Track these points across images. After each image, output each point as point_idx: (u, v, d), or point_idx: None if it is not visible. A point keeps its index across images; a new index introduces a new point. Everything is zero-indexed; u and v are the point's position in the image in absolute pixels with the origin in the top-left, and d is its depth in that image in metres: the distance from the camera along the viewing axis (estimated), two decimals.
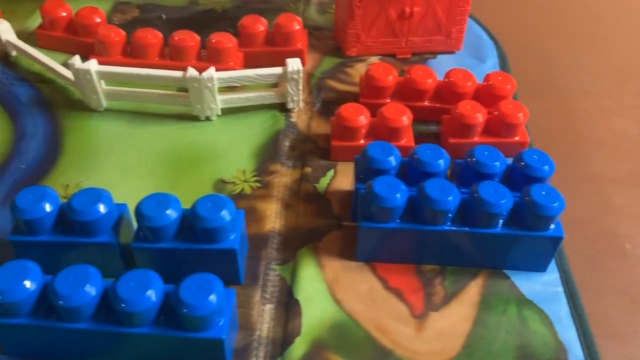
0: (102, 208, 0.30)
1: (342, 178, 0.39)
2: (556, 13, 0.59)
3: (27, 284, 0.26)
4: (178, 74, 0.40)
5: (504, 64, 0.50)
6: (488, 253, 0.33)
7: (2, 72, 0.45)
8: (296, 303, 0.32)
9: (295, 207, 0.37)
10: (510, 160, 0.35)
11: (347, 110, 0.39)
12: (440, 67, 0.49)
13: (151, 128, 0.42)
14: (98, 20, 0.46)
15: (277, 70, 0.41)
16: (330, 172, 0.39)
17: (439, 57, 0.50)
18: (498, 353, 0.30)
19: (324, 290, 0.32)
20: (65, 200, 0.34)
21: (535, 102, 0.46)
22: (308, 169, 0.39)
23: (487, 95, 0.42)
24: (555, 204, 0.31)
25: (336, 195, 0.38)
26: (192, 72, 0.39)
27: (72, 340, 0.27)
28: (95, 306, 0.27)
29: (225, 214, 0.30)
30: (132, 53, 0.45)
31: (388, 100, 0.42)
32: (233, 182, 0.38)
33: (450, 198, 0.31)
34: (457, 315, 0.32)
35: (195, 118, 0.42)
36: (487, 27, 0.54)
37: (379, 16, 0.47)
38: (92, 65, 0.40)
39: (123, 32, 0.45)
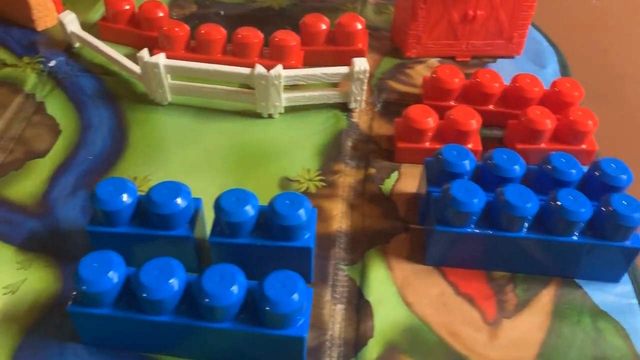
0: (180, 202, 0.30)
1: (406, 180, 0.39)
2: (618, 20, 0.58)
3: (112, 275, 0.27)
4: (246, 70, 0.40)
5: (565, 71, 0.49)
6: (561, 261, 0.33)
7: (66, 63, 0.45)
8: (367, 304, 0.32)
9: (360, 208, 0.37)
10: (586, 168, 0.34)
11: (415, 111, 0.38)
12: (501, 72, 0.48)
13: (215, 124, 0.42)
14: (161, 14, 0.46)
15: (344, 69, 0.41)
16: (395, 174, 0.39)
17: (499, 61, 0.49)
18: None
19: (395, 292, 0.32)
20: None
21: (598, 110, 0.46)
22: (372, 170, 0.39)
23: (554, 101, 0.41)
24: (637, 214, 0.30)
25: (401, 197, 0.38)
26: (260, 69, 0.39)
27: (152, 332, 0.27)
28: (178, 299, 0.27)
29: (302, 212, 0.30)
30: (196, 48, 0.45)
31: (452, 103, 0.42)
32: (298, 181, 0.38)
33: (529, 205, 0.30)
34: (530, 324, 0.31)
35: (257, 115, 0.42)
36: (547, 34, 0.53)
37: (441, 18, 0.47)
38: (161, 59, 0.40)
39: (187, 27, 0.45)
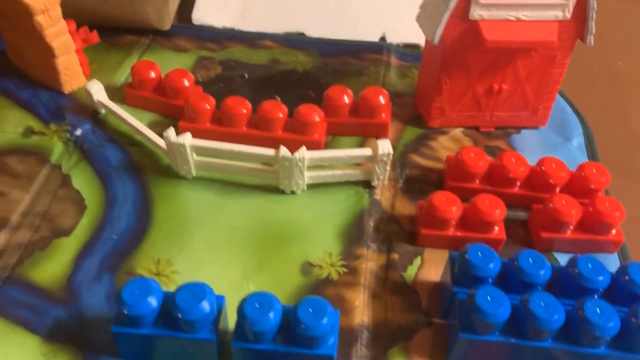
0: (205, 306, 0.30)
1: (429, 268, 0.38)
2: None
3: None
4: (271, 152, 0.40)
5: (590, 144, 0.49)
6: None
7: (92, 132, 0.46)
8: None
9: (383, 298, 0.37)
10: (615, 262, 0.34)
11: (439, 199, 0.38)
12: (525, 144, 0.48)
13: (238, 200, 0.42)
14: (187, 83, 0.47)
15: (367, 151, 0.41)
16: (417, 260, 0.39)
17: (523, 132, 0.49)
18: None
19: None
20: (156, 277, 0.35)
21: (625, 191, 0.45)
22: (395, 255, 0.39)
23: (580, 187, 0.41)
24: None
25: (424, 286, 0.37)
26: (284, 151, 0.39)
27: None
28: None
29: (325, 321, 0.30)
30: (221, 120, 0.45)
31: (476, 185, 0.42)
32: (320, 266, 0.38)
33: (555, 317, 0.30)
34: None
35: (280, 191, 0.42)
36: (572, 100, 0.53)
37: (466, 92, 0.47)
38: (187, 139, 0.40)
39: (213, 100, 0.45)
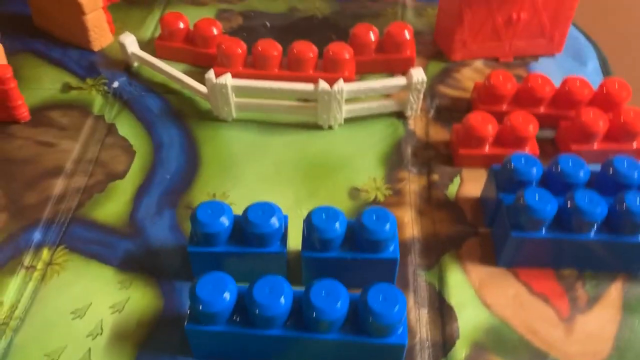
0: (275, 221, 0.32)
1: (469, 185, 0.41)
2: None
3: (226, 295, 0.29)
4: (310, 87, 0.42)
5: (605, 67, 0.51)
6: (627, 259, 0.35)
7: (129, 84, 0.47)
8: (450, 308, 0.34)
9: (429, 214, 0.39)
10: None
11: (476, 119, 0.40)
12: (543, 70, 0.50)
13: (279, 137, 0.44)
14: (215, 31, 0.48)
15: (402, 81, 0.42)
16: (457, 179, 0.41)
17: (541, 60, 0.51)
18: None
19: (473, 295, 0.34)
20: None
21: None
22: (435, 176, 0.41)
23: (603, 102, 0.43)
24: None
25: (466, 202, 0.40)
26: (323, 85, 0.41)
27: (262, 345, 0.30)
28: (288, 314, 0.29)
29: (388, 226, 0.32)
30: (254, 64, 0.46)
31: (505, 108, 0.44)
32: (366, 190, 0.40)
33: (598, 209, 0.32)
34: (603, 318, 0.33)
35: (318, 127, 0.44)
36: (585, 30, 0.54)
37: (485, 22, 0.48)
38: (228, 79, 0.42)
39: (245, 44, 0.46)
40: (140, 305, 0.34)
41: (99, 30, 0.50)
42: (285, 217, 0.34)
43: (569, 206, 0.33)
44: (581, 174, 0.35)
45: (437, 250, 0.37)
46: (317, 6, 0.56)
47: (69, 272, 0.35)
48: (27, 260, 0.36)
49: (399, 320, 0.28)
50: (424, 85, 0.42)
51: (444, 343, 0.32)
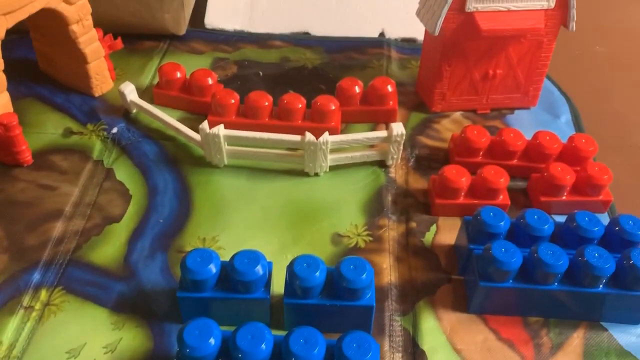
0: (259, 269, 0.34)
1: (444, 233, 0.43)
2: (624, 68, 0.63)
3: (212, 341, 0.31)
4: (297, 138, 0.45)
5: (577, 120, 0.54)
6: (589, 308, 0.37)
7: (127, 130, 0.50)
8: (422, 353, 0.36)
9: (406, 261, 0.41)
10: (606, 219, 0.39)
11: (451, 172, 0.43)
12: (518, 123, 0.53)
13: (268, 183, 0.46)
14: (210, 82, 0.51)
15: (383, 134, 0.45)
16: (433, 227, 0.44)
17: (516, 112, 0.54)
18: None
19: (445, 341, 0.37)
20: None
21: (610, 158, 0.50)
22: (413, 224, 0.44)
23: (571, 155, 0.46)
24: None
25: (441, 249, 0.42)
26: (309, 136, 0.44)
27: None
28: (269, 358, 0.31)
29: (365, 275, 0.34)
30: (245, 113, 0.49)
31: (479, 159, 0.47)
32: (348, 236, 0.43)
33: (560, 262, 0.35)
34: None
35: (304, 174, 0.47)
36: (558, 83, 0.58)
37: (464, 78, 0.52)
38: (221, 130, 0.44)
39: (237, 95, 0.49)
40: (132, 346, 0.36)
41: (101, 77, 0.53)
42: (270, 264, 0.36)
43: (532, 259, 0.36)
44: (546, 227, 0.38)
45: (413, 296, 0.39)
46: (307, 56, 0.59)
47: (65, 312, 0.37)
48: (26, 300, 0.38)
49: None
50: (404, 137, 0.45)
51: None
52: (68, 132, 0.50)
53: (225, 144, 0.46)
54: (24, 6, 0.44)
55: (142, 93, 0.54)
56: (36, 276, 0.39)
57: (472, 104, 0.54)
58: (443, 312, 0.38)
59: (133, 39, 0.60)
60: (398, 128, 0.45)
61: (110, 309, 0.38)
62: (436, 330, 0.37)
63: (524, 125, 0.53)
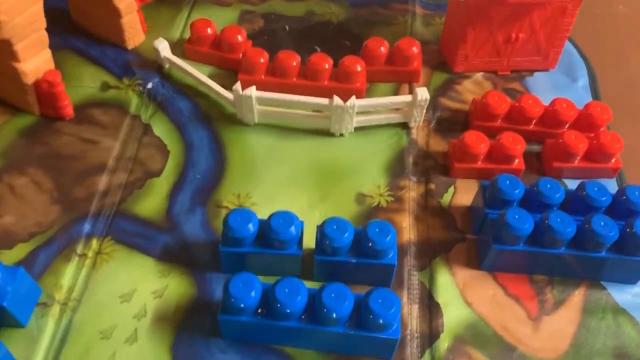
0: (293, 229, 0.38)
1: (461, 194, 0.46)
2: None
3: (253, 293, 0.35)
4: (325, 101, 0.47)
5: (594, 84, 0.55)
6: (591, 269, 0.41)
7: (162, 85, 0.52)
8: (437, 305, 0.40)
9: (424, 220, 0.45)
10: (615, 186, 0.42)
11: (470, 137, 0.46)
12: (537, 85, 0.55)
13: (295, 142, 0.49)
14: (240, 39, 0.53)
15: (408, 98, 0.48)
16: (451, 189, 0.47)
17: (535, 74, 0.56)
18: (599, 352, 0.38)
19: (457, 294, 0.41)
20: (239, 207, 0.43)
21: (624, 124, 0.53)
22: (432, 186, 0.47)
23: (586, 122, 0.48)
24: None
25: (458, 210, 0.45)
26: (337, 100, 0.46)
27: (281, 333, 0.36)
28: (303, 310, 0.35)
29: (389, 238, 0.38)
30: (274, 72, 0.51)
31: (498, 124, 0.49)
32: (371, 196, 0.46)
33: (568, 230, 0.38)
34: (565, 319, 0.40)
35: (330, 134, 0.50)
36: (578, 44, 0.59)
37: (487, 41, 0.53)
38: (253, 92, 0.47)
39: (267, 54, 0.51)
40: (177, 292, 0.40)
41: (133, 31, 0.55)
42: (301, 224, 0.40)
43: (543, 225, 0.39)
44: (557, 195, 0.41)
45: (430, 253, 0.43)
46: (333, 10, 0.60)
47: (116, 260, 0.41)
48: (79, 248, 0.42)
49: (394, 319, 0.35)
50: (427, 102, 0.48)
51: (430, 335, 0.39)
52: (105, 86, 0.52)
53: (257, 104, 0.48)
54: None
55: (173, 46, 0.55)
56: (87, 226, 0.43)
57: (493, 66, 0.55)
58: (457, 268, 0.42)
59: None
60: (423, 93, 0.47)
61: (156, 258, 0.42)
62: (450, 285, 0.41)
63: (542, 88, 0.55)
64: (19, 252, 0.41)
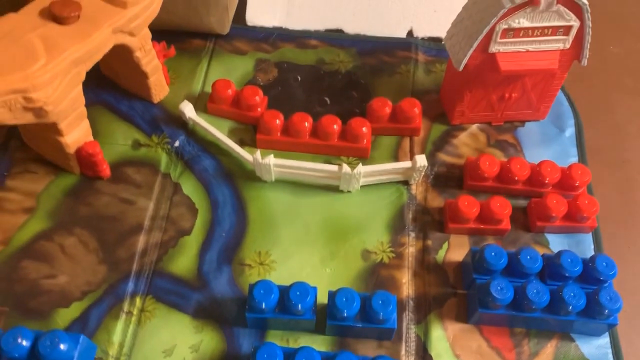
0: (309, 299, 0.45)
1: (454, 251, 0.53)
2: (631, 77, 0.67)
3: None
4: (334, 168, 0.53)
5: (579, 135, 0.61)
6: (563, 327, 0.48)
7: (187, 143, 0.58)
8: (430, 358, 0.47)
9: (421, 276, 0.51)
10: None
11: (463, 203, 0.52)
12: (528, 136, 0.61)
13: (308, 198, 0.55)
14: (258, 99, 0.58)
15: (408, 164, 0.53)
16: (445, 244, 0.53)
17: (527, 125, 0.61)
18: None
19: (448, 347, 0.48)
20: (260, 266, 0.50)
21: (603, 170, 0.58)
22: (429, 242, 0.53)
23: (568, 184, 0.54)
24: (617, 306, 0.45)
25: (450, 265, 0.52)
26: (346, 168, 0.52)
27: None
28: None
29: (390, 308, 0.44)
30: (288, 132, 0.57)
31: (489, 184, 0.55)
32: (375, 252, 0.52)
33: (543, 299, 0.45)
34: None
35: (339, 190, 0.56)
36: (567, 90, 0.64)
37: (482, 99, 0.58)
38: (272, 160, 0.53)
39: (282, 116, 0.57)
40: (210, 346, 0.47)
41: (159, 87, 0.60)
42: (315, 291, 0.46)
43: (522, 294, 0.46)
44: (535, 266, 0.47)
45: (426, 308, 0.50)
46: (341, 59, 0.65)
47: (157, 318, 0.48)
48: (125, 306, 0.49)
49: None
50: (425, 168, 0.53)
51: None
52: (137, 144, 0.58)
53: (274, 168, 0.54)
54: (100, 50, 0.50)
55: (196, 100, 0.61)
56: (130, 285, 0.50)
57: (487, 118, 0.61)
58: (448, 322, 0.49)
59: (181, 36, 0.65)
60: (421, 160, 0.53)
61: (191, 315, 0.49)
62: (442, 338, 0.48)
63: (532, 140, 0.60)
64: (75, 310, 0.48)
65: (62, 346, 0.42)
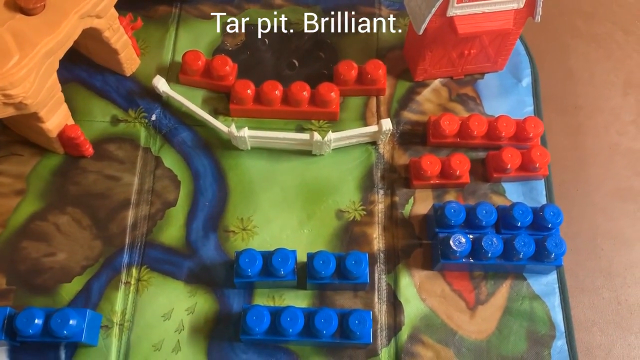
0: (290, 263, 0.50)
1: (419, 204, 0.58)
2: (583, 20, 0.70)
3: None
4: (306, 136, 0.56)
5: (535, 83, 0.64)
6: (516, 269, 0.54)
7: (164, 116, 0.60)
8: (399, 303, 0.53)
9: (391, 230, 0.57)
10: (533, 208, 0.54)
11: (426, 162, 0.56)
12: (487, 88, 0.64)
13: (284, 164, 0.59)
14: (228, 68, 0.60)
15: (374, 128, 0.57)
16: (411, 200, 0.58)
17: (486, 76, 0.64)
18: (517, 331, 0.53)
19: (415, 293, 0.54)
20: (243, 232, 0.54)
21: (557, 117, 0.63)
22: (396, 198, 0.58)
23: (522, 135, 0.58)
24: (562, 250, 0.51)
25: (416, 219, 0.57)
26: (316, 136, 0.56)
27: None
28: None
29: (362, 267, 0.50)
30: (260, 100, 0.59)
31: (450, 140, 0.59)
32: (348, 211, 0.57)
33: (498, 249, 0.51)
34: (494, 307, 0.54)
35: (311, 153, 0.59)
36: (525, 38, 0.66)
37: (443, 57, 0.61)
38: (246, 132, 0.56)
39: (253, 86, 0.59)
40: (204, 308, 0.53)
41: (130, 61, 0.61)
42: (294, 255, 0.51)
43: (479, 245, 0.51)
44: (491, 218, 0.52)
45: (395, 259, 0.55)
46: (306, 18, 0.66)
47: (154, 286, 0.53)
48: (123, 277, 0.53)
49: (369, 331, 0.48)
50: (390, 131, 0.57)
51: (395, 327, 0.53)
52: (115, 120, 0.60)
53: (249, 138, 0.57)
54: (70, 38, 0.51)
55: (168, 71, 0.62)
56: (125, 257, 0.54)
57: (449, 73, 0.64)
58: (415, 271, 0.55)
59: (146, 3, 0.65)
60: (386, 124, 0.56)
61: (184, 281, 0.54)
62: (410, 285, 0.54)
63: (491, 92, 0.64)
64: (77, 284, 0.53)
65: (71, 322, 0.47)
